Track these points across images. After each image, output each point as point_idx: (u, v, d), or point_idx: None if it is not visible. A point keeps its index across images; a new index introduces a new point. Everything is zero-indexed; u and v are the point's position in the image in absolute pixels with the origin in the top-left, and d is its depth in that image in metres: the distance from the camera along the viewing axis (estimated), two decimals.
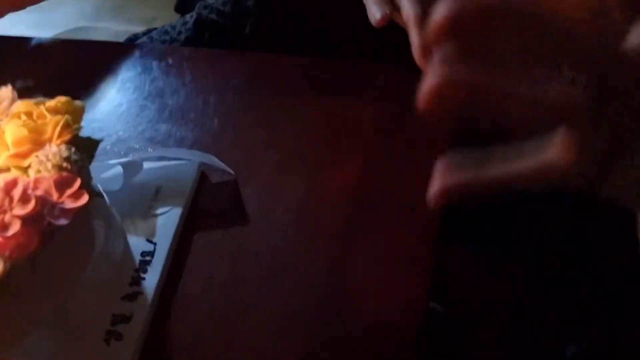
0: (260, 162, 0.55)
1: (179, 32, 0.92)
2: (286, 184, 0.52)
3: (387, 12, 0.53)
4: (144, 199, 0.50)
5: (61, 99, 0.44)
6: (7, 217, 0.35)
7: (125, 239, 0.47)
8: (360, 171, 0.52)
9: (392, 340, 0.40)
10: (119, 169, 0.49)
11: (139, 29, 1.23)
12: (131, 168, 0.50)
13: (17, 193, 0.36)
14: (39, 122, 0.42)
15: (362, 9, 0.66)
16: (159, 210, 0.49)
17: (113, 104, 0.62)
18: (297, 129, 0.58)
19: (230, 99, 0.63)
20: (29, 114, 0.42)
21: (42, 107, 0.43)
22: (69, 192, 0.38)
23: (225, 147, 0.55)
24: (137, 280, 0.44)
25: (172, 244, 0.47)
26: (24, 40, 0.74)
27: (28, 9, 0.74)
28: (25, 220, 0.35)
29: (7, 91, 0.46)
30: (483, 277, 0.57)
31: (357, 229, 0.48)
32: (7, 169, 0.42)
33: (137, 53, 0.71)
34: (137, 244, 0.47)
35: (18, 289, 0.36)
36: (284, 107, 0.61)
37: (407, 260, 0.46)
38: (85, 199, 0.38)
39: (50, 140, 0.41)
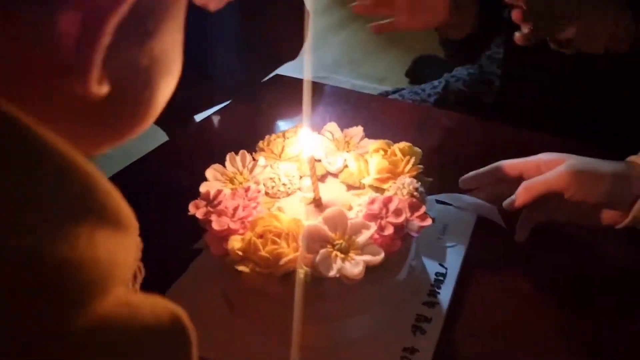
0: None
1: (429, 95, 1.08)
2: (554, 246, 0.62)
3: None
4: (434, 231, 0.63)
5: (406, 144, 0.58)
6: (383, 222, 0.49)
7: (421, 259, 0.59)
8: None
9: None
10: None
11: (371, 85, 1.40)
12: (429, 205, 0.63)
13: (392, 206, 0.50)
14: (393, 158, 0.56)
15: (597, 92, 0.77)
16: (448, 243, 0.61)
17: None
18: None
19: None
20: (385, 151, 0.57)
21: (394, 147, 0.57)
22: (417, 214, 0.51)
23: None
24: (433, 293, 0.56)
25: (460, 270, 0.58)
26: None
27: None
28: (395, 226, 0.49)
29: (358, 130, 0.62)
30: None
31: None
32: (362, 187, 0.57)
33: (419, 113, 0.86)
34: (431, 265, 0.59)
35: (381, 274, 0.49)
36: None
37: None
38: (429, 221, 0.51)
39: (401, 173, 0.55)
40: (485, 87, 1.06)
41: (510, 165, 0.62)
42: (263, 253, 0.47)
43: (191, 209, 0.54)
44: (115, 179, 0.76)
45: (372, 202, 0.51)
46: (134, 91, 0.23)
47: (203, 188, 0.57)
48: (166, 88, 0.24)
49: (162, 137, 1.09)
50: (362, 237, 0.48)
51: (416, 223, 0.50)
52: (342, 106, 0.89)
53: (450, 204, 0.66)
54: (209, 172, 0.59)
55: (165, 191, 0.71)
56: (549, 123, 0.90)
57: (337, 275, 0.46)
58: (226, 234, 0.51)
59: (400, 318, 0.54)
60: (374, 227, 0.49)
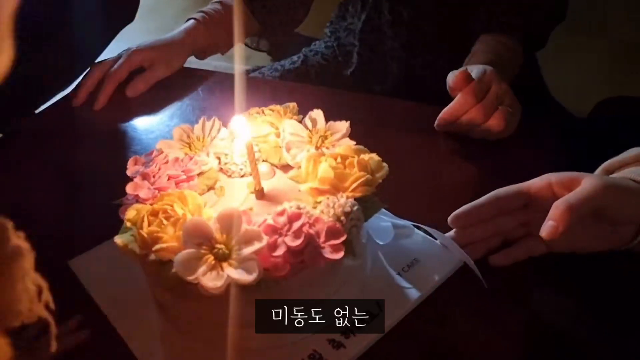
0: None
1: (288, 70, 1.08)
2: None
3: None
4: (397, 263, 0.53)
5: (375, 157, 0.49)
6: (279, 240, 0.42)
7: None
8: None
9: None
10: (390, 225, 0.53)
11: (234, 65, 1.26)
12: (403, 231, 0.53)
13: (295, 225, 0.42)
14: (346, 171, 0.47)
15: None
16: (404, 283, 0.51)
17: None
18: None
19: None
20: (344, 158, 0.49)
21: (356, 158, 0.48)
22: (332, 242, 0.43)
23: None
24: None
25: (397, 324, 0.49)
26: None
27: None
28: (289, 250, 0.42)
29: (343, 125, 0.54)
30: None
31: None
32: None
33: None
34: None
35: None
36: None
37: None
38: (340, 255, 0.42)
39: (345, 190, 0.47)
40: (343, 59, 1.06)
41: (515, 192, 0.53)
42: (143, 232, 0.44)
43: (130, 162, 0.52)
44: None
45: (281, 213, 0.44)
46: None
47: (160, 145, 0.55)
48: None
49: None
50: (247, 250, 0.42)
51: (326, 253, 0.42)
52: (201, 87, 0.86)
53: (433, 237, 0.55)
54: (176, 131, 0.56)
55: None
56: (405, 89, 0.93)
57: (195, 282, 0.41)
58: (135, 200, 0.48)
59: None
60: (265, 241, 0.42)
